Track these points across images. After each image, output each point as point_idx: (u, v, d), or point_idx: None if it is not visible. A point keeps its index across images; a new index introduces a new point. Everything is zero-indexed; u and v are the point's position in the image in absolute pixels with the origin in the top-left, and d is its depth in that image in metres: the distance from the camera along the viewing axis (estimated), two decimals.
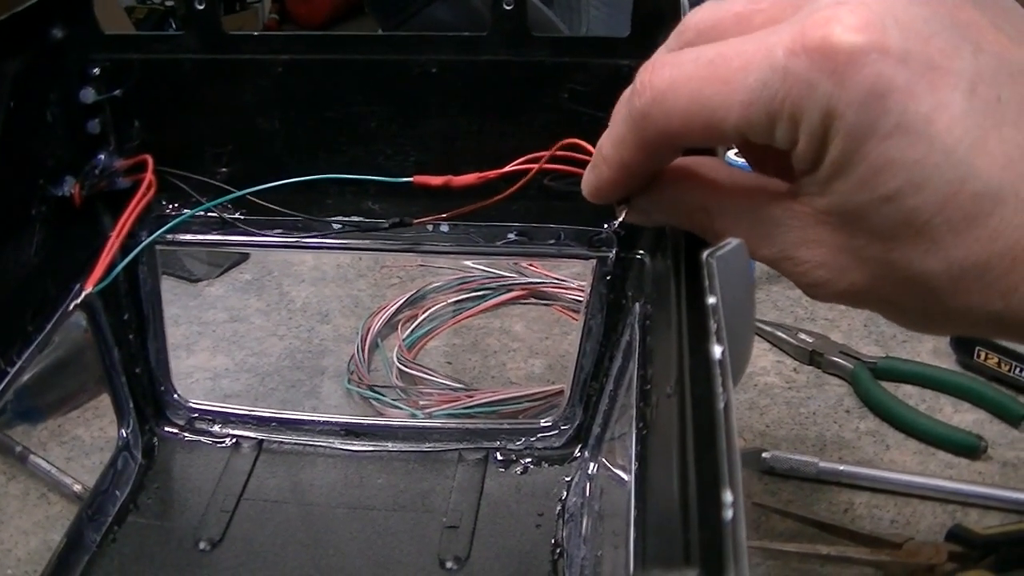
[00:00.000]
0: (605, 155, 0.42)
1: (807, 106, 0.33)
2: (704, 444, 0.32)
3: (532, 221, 0.70)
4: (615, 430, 0.71)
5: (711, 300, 0.34)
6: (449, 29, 0.67)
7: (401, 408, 0.84)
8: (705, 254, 0.36)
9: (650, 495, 0.50)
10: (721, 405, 0.30)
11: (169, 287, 1.03)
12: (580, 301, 0.95)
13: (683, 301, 0.53)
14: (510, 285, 0.99)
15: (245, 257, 1.06)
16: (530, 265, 1.01)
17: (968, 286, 0.33)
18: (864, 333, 0.93)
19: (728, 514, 0.27)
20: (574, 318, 0.95)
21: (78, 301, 0.68)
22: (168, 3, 3.10)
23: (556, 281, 0.99)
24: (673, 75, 0.37)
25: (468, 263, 1.00)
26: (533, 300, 0.99)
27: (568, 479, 0.74)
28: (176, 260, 1.05)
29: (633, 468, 0.53)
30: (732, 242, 0.37)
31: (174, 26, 3.01)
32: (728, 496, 0.27)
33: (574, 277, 0.98)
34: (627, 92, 0.39)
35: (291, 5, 3.75)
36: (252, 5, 3.60)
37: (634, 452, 0.54)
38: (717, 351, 0.32)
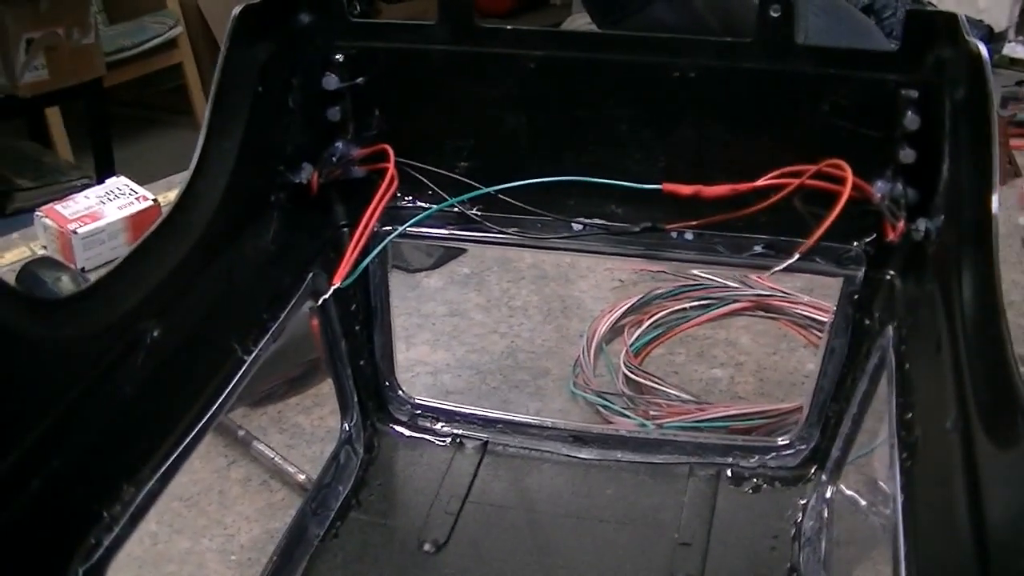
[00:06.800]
0: None
1: None
2: None
3: (779, 234, 0.67)
4: (857, 455, 0.69)
5: None
6: (669, 30, 0.65)
7: (629, 417, 0.82)
8: None
9: (922, 531, 0.48)
10: None
11: None
12: (808, 317, 0.92)
13: (959, 332, 0.50)
14: (736, 296, 0.96)
15: (462, 250, 1.06)
16: (757, 277, 0.98)
17: None
18: None
19: None
20: (802, 334, 0.91)
21: (327, 296, 0.67)
22: None
23: (784, 295, 0.96)
24: None
25: (695, 271, 0.98)
26: (760, 313, 0.96)
27: (803, 501, 0.71)
28: (396, 250, 1.05)
29: (899, 500, 0.50)
30: None
31: (359, 9, 3.06)
32: None
33: (802, 291, 0.94)
34: None
35: None
36: None
37: (898, 483, 0.51)
38: None
